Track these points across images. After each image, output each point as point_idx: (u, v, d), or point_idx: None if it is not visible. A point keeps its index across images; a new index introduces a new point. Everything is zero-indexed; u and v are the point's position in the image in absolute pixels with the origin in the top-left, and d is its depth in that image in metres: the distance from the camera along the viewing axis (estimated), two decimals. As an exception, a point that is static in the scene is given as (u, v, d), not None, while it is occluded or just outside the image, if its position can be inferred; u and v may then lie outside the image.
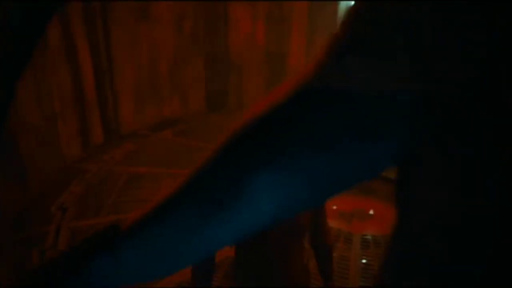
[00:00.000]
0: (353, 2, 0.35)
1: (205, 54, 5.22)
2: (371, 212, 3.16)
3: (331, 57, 0.34)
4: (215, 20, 5.10)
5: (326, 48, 0.34)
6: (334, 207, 3.21)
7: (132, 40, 4.52)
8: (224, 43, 5.20)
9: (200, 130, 4.45)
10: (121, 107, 4.61)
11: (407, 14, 0.29)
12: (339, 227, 2.95)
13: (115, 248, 0.40)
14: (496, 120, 0.27)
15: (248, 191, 0.36)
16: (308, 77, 0.35)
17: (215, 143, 0.39)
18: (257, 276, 1.23)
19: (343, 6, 4.73)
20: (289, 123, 0.35)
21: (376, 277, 0.43)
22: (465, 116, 0.28)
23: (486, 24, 0.26)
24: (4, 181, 2.87)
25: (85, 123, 4.18)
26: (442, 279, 0.31)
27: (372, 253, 2.69)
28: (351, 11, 0.34)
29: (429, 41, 0.28)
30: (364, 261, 2.67)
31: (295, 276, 1.27)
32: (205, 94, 5.28)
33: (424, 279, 0.32)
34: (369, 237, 2.84)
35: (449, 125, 0.29)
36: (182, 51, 5.00)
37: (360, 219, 3.13)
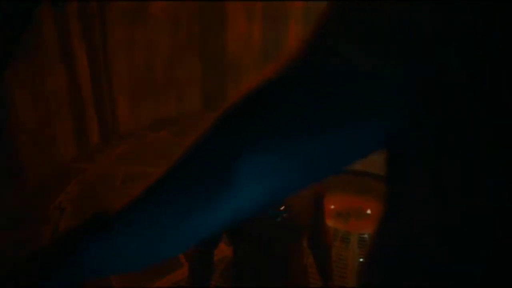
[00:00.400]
0: None
1: (201, 54, 5.21)
2: (369, 211, 3.17)
3: (319, 36, 0.33)
4: (211, 19, 5.09)
5: (314, 27, 0.34)
6: (332, 207, 3.22)
7: (129, 40, 4.51)
8: (221, 43, 5.19)
9: (196, 130, 4.44)
10: (117, 107, 4.60)
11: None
12: (337, 227, 2.95)
13: (106, 231, 0.39)
14: (495, 120, 0.26)
15: (236, 175, 0.35)
16: (296, 56, 0.34)
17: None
18: (255, 276, 1.22)
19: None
20: (276, 102, 0.34)
21: (360, 275, 0.42)
22: (464, 116, 0.28)
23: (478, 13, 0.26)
24: (0, 181, 2.86)
25: (82, 123, 4.17)
26: (442, 279, 0.31)
27: (370, 252, 2.69)
28: None
29: (420, 25, 0.28)
30: (361, 260, 2.67)
31: (294, 277, 1.26)
32: (202, 94, 5.27)
33: (423, 279, 0.32)
34: (366, 236, 2.85)
35: (447, 125, 0.29)
36: (178, 50, 4.99)
37: (358, 218, 3.14)
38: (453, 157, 0.29)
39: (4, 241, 2.72)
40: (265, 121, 0.35)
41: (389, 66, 0.30)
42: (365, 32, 0.31)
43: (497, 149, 0.27)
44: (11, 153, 3.11)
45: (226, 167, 0.35)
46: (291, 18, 5.11)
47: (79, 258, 0.39)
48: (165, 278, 2.81)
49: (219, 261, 2.66)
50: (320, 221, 1.33)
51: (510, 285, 0.28)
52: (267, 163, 0.35)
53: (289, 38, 5.16)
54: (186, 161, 0.38)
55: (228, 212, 0.38)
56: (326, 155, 0.35)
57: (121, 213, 0.40)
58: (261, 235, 1.17)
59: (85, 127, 4.22)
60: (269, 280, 1.21)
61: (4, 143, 3.01)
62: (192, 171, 0.37)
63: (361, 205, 3.19)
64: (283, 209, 1.16)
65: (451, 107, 0.28)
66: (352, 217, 3.15)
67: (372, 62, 0.31)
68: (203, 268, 1.24)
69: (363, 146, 0.35)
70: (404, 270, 0.34)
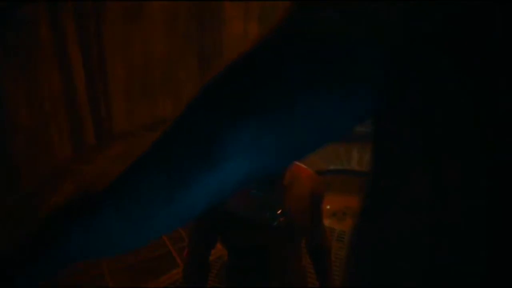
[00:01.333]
0: None
1: (198, 54, 5.20)
2: (364, 210, 3.16)
3: (302, 4, 0.33)
4: (208, 20, 5.08)
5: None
6: (328, 207, 3.22)
7: (124, 40, 4.49)
8: (217, 43, 5.18)
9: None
10: (113, 107, 4.58)
11: None
12: (332, 226, 2.96)
13: (89, 211, 0.39)
14: (493, 122, 0.27)
15: (220, 149, 0.35)
16: (279, 23, 0.34)
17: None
18: (253, 279, 1.18)
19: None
20: (256, 74, 0.34)
21: (345, 276, 0.42)
22: (461, 117, 0.28)
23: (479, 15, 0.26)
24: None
25: (77, 123, 4.14)
26: (441, 279, 0.31)
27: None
28: None
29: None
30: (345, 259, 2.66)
31: (292, 279, 1.23)
32: (198, 94, 5.24)
33: (422, 279, 0.32)
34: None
35: (439, 121, 0.29)
36: (175, 51, 4.98)
37: (353, 217, 3.13)
38: (452, 157, 0.29)
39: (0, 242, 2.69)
40: (246, 93, 0.34)
41: (373, 30, 0.30)
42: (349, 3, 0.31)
43: (496, 148, 0.27)
44: (6, 154, 3.09)
45: (208, 142, 0.35)
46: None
47: (63, 241, 0.39)
48: (161, 278, 2.80)
49: (216, 261, 2.66)
50: (318, 224, 1.29)
51: (510, 285, 0.28)
52: (250, 137, 0.34)
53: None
54: (168, 136, 0.37)
55: (213, 188, 0.37)
56: (308, 129, 0.35)
57: (104, 192, 0.39)
58: (256, 240, 1.14)
59: (80, 127, 4.20)
60: (266, 283, 1.17)
61: (-1, 143, 2.99)
62: (174, 147, 0.37)
63: (356, 204, 3.18)
64: (280, 212, 1.13)
65: (438, 101, 0.28)
66: (347, 216, 3.15)
67: (356, 28, 0.31)
68: (199, 272, 1.20)
69: (343, 119, 0.35)
70: (401, 270, 0.34)
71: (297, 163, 1.22)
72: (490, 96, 0.27)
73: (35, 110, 3.52)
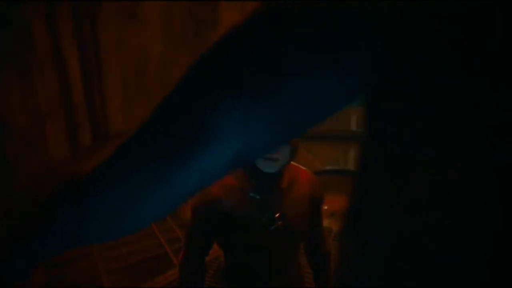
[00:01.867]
0: None
1: (194, 55, 5.19)
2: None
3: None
4: (204, 21, 5.08)
5: None
6: (325, 207, 3.21)
7: (120, 40, 4.48)
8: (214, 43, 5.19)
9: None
10: (109, 108, 4.56)
11: None
12: (330, 226, 2.96)
13: (77, 196, 0.38)
14: (493, 122, 0.27)
15: (212, 128, 0.34)
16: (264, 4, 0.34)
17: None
18: (250, 282, 1.15)
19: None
20: (249, 46, 0.34)
21: (340, 277, 0.42)
22: (460, 117, 0.28)
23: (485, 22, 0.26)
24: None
25: (73, 124, 4.13)
26: (441, 279, 0.31)
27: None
28: None
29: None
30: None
31: (290, 282, 1.20)
32: (195, 95, 5.24)
33: (422, 279, 0.32)
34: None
35: (439, 117, 0.29)
36: (171, 51, 4.97)
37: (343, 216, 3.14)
38: (452, 157, 0.29)
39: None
40: (238, 71, 0.34)
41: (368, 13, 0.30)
42: None
43: (496, 149, 0.27)
44: (1, 154, 3.07)
45: (199, 119, 0.34)
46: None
47: (51, 228, 0.38)
48: (158, 279, 2.79)
49: (212, 261, 2.66)
50: (317, 227, 1.26)
51: (510, 285, 0.28)
52: (241, 114, 0.34)
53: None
54: (158, 116, 0.37)
55: (204, 168, 0.36)
56: (297, 107, 0.34)
57: (92, 175, 0.38)
58: (254, 243, 1.10)
59: (76, 128, 4.18)
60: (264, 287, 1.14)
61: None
62: (164, 126, 0.36)
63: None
64: (278, 215, 1.10)
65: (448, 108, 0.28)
66: (345, 217, 3.15)
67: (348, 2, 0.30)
68: (195, 273, 1.16)
69: (335, 95, 0.35)
70: (400, 270, 0.33)
71: (296, 164, 1.21)
72: (490, 96, 0.26)
73: (29, 111, 3.51)
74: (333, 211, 3.15)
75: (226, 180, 1.12)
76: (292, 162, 1.15)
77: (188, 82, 0.36)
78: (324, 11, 0.31)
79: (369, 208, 0.36)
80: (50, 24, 3.68)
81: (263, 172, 1.08)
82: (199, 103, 0.35)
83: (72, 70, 4.03)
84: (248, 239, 1.10)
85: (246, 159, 0.37)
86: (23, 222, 0.40)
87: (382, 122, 0.34)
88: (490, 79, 0.26)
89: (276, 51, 0.33)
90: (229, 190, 1.11)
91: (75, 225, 0.38)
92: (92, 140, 4.36)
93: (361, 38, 0.31)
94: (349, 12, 0.31)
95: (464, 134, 0.28)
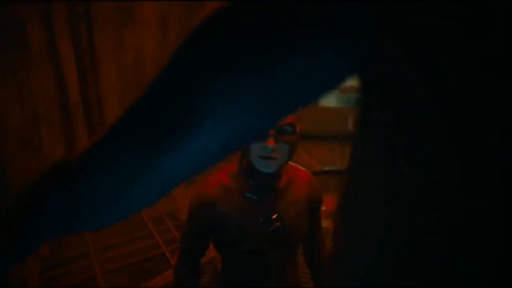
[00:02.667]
0: None
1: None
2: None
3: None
4: (200, 20, 5.08)
5: None
6: (323, 208, 3.21)
7: (117, 42, 4.47)
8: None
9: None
10: (106, 110, 4.55)
11: None
12: (328, 227, 2.97)
13: (67, 177, 0.38)
14: (493, 122, 0.26)
15: (201, 111, 0.33)
16: None
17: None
18: (247, 285, 1.11)
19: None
20: (236, 25, 0.33)
21: (336, 277, 0.41)
22: (460, 117, 0.28)
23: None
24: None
25: (69, 126, 4.11)
26: (445, 279, 0.30)
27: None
28: None
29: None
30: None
31: (288, 286, 1.15)
32: (192, 95, 5.24)
33: (424, 279, 0.31)
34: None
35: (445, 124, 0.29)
36: (167, 52, 4.96)
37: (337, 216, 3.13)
38: (453, 157, 0.29)
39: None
40: (227, 50, 0.33)
41: None
42: None
43: (496, 149, 0.27)
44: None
45: (188, 99, 0.34)
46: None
47: (41, 211, 0.38)
48: (155, 279, 2.78)
49: (210, 262, 2.65)
50: (316, 229, 1.24)
51: (511, 286, 0.28)
52: (231, 94, 0.33)
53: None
54: (147, 98, 0.36)
55: (194, 151, 0.35)
56: (293, 84, 0.34)
57: (82, 158, 0.38)
58: (250, 245, 1.07)
59: (72, 130, 4.17)
60: None
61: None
62: (153, 110, 0.35)
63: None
64: (275, 217, 1.06)
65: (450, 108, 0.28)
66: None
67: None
68: (189, 275, 1.13)
69: (327, 72, 0.34)
70: (400, 270, 0.33)
71: (294, 164, 1.19)
72: (490, 96, 0.26)
73: (26, 111, 3.49)
74: (330, 212, 3.16)
75: (222, 180, 1.10)
76: (290, 162, 1.13)
77: (175, 66, 0.35)
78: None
79: (368, 208, 0.36)
80: (46, 24, 3.67)
81: (261, 172, 1.05)
82: (187, 86, 0.34)
83: (68, 71, 4.02)
84: (245, 241, 1.07)
85: (237, 143, 0.37)
86: (13, 207, 0.39)
87: (382, 121, 0.33)
88: (489, 79, 0.26)
89: (264, 29, 0.32)
90: (225, 191, 1.08)
91: (65, 208, 0.38)
92: (89, 142, 4.35)
93: (357, 13, 0.31)
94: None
95: (464, 134, 0.28)
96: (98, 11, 4.21)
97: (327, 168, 5.44)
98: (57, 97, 3.92)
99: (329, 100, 6.62)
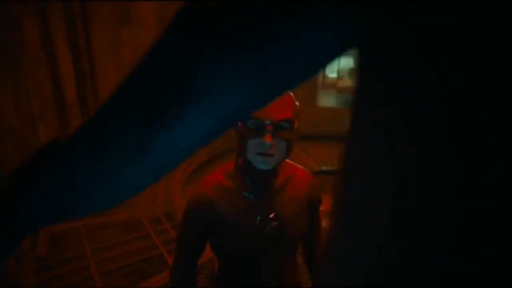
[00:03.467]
0: None
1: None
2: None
3: None
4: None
5: None
6: (321, 208, 3.20)
7: (114, 41, 4.47)
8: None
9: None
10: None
11: None
12: (325, 227, 2.97)
13: (60, 154, 0.37)
14: (493, 122, 0.26)
15: (199, 82, 0.33)
16: None
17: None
18: (245, 286, 1.08)
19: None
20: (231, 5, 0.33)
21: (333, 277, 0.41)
22: (460, 117, 0.27)
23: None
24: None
25: (66, 127, 4.10)
26: (445, 280, 0.30)
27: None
28: None
29: None
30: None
31: (286, 286, 1.13)
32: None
33: (425, 279, 0.31)
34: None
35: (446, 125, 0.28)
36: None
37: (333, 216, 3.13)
38: (453, 157, 0.28)
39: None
40: (225, 21, 0.33)
41: None
42: None
43: (496, 149, 0.27)
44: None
45: (188, 75, 0.33)
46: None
47: (33, 194, 0.37)
48: (152, 280, 2.77)
49: (208, 262, 2.65)
50: (315, 230, 1.20)
51: (511, 286, 0.28)
52: (230, 67, 0.33)
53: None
54: (139, 76, 0.35)
55: (187, 136, 0.35)
56: (291, 55, 0.34)
57: (72, 139, 0.37)
58: (247, 246, 1.04)
59: (69, 130, 4.16)
60: None
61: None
62: (150, 82, 0.34)
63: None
64: (272, 216, 1.04)
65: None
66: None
67: None
68: (186, 276, 1.10)
69: (321, 46, 0.34)
70: (400, 271, 0.33)
71: (292, 162, 1.17)
72: (490, 96, 0.26)
73: (22, 113, 3.48)
74: (328, 212, 3.16)
75: (218, 180, 1.08)
76: (287, 160, 1.11)
77: (172, 36, 0.35)
78: None
79: (368, 208, 0.36)
80: (42, 24, 3.66)
81: (257, 169, 1.02)
82: (181, 62, 0.34)
83: (65, 71, 4.01)
84: (242, 241, 1.04)
85: (235, 116, 0.36)
86: (2, 188, 0.38)
87: (381, 121, 0.33)
88: (491, 79, 0.26)
89: (262, 1, 0.32)
90: (222, 190, 1.06)
91: (56, 188, 0.37)
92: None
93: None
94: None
95: (464, 134, 0.28)
96: (95, 11, 4.20)
97: (324, 168, 5.44)
98: (54, 98, 3.91)
99: (328, 101, 6.63)
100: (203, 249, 1.12)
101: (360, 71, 0.36)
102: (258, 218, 1.03)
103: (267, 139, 0.95)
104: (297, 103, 1.01)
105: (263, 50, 0.33)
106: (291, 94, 1.01)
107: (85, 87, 4.25)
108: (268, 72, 0.34)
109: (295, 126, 1.01)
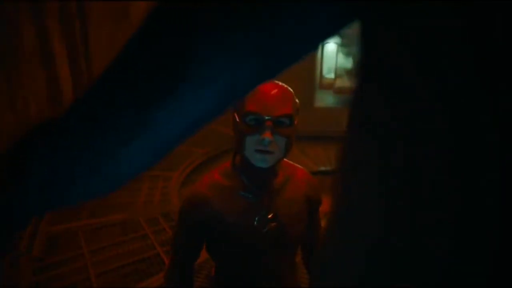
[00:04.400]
0: None
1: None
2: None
3: None
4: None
5: None
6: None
7: (112, 41, 4.45)
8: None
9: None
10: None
11: None
12: (323, 227, 2.97)
13: (51, 136, 0.36)
14: (493, 122, 0.26)
15: (191, 67, 0.32)
16: None
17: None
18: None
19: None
20: None
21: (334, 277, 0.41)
22: (460, 118, 0.27)
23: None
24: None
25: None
26: (446, 279, 0.30)
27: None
28: None
29: None
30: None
31: (285, 286, 1.10)
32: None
33: (425, 279, 0.31)
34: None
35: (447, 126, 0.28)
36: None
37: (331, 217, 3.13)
38: (454, 156, 0.28)
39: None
40: (216, 10, 0.33)
41: None
42: None
43: (496, 149, 0.27)
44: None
45: (182, 51, 0.32)
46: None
47: (24, 175, 0.36)
48: (149, 280, 2.77)
49: (206, 262, 2.64)
50: (314, 232, 1.18)
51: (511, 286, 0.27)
52: (231, 42, 0.32)
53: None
54: (136, 48, 0.34)
55: (185, 115, 0.34)
56: (282, 40, 0.33)
57: (68, 114, 0.36)
58: (246, 247, 1.02)
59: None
60: None
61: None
62: (147, 58, 0.34)
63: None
64: (271, 216, 1.02)
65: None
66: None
67: None
68: (182, 279, 1.08)
69: (321, 20, 0.34)
70: (400, 271, 0.33)
71: (291, 162, 1.16)
72: (490, 96, 0.26)
73: (18, 114, 3.46)
74: (326, 213, 3.16)
75: (215, 179, 1.06)
76: (286, 160, 1.09)
77: (167, 10, 0.34)
78: None
79: (367, 208, 0.36)
80: (39, 24, 3.64)
81: (255, 167, 0.99)
82: (180, 34, 0.33)
83: (62, 72, 3.99)
84: (240, 241, 1.02)
85: (234, 94, 0.36)
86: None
87: (381, 121, 0.33)
88: (491, 79, 0.26)
89: None
90: (219, 190, 1.04)
91: (50, 170, 0.35)
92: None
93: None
94: None
95: (464, 134, 0.28)
96: (92, 11, 4.19)
97: (322, 169, 5.45)
98: (51, 98, 3.90)
99: (326, 101, 6.63)
100: (199, 250, 1.10)
101: (359, 71, 0.36)
102: (256, 218, 1.01)
103: (267, 135, 0.93)
104: (296, 100, 1.00)
105: (262, 22, 0.32)
106: (291, 90, 0.99)
107: (82, 87, 4.24)
108: (266, 45, 0.34)
109: (295, 122, 0.98)
